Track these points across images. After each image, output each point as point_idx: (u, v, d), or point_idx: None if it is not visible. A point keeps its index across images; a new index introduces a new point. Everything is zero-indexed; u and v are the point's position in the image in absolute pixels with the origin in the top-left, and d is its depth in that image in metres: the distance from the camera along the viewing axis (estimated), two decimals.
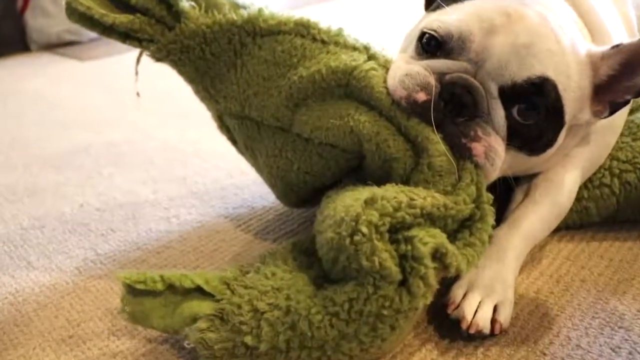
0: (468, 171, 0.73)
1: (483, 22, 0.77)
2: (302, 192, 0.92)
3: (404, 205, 0.66)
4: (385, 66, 0.81)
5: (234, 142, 1.04)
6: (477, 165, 0.75)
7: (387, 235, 0.65)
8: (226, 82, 0.94)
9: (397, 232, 0.66)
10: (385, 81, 0.79)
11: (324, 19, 0.91)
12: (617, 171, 0.94)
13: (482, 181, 0.74)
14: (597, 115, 0.82)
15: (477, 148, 0.74)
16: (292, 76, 0.85)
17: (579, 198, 0.92)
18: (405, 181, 0.75)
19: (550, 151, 0.81)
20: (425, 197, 0.68)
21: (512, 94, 0.74)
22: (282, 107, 0.86)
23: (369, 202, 0.65)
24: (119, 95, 2.01)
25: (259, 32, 0.90)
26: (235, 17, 0.91)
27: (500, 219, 0.85)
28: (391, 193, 0.67)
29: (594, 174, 0.94)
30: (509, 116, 0.75)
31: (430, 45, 0.79)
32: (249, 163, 1.02)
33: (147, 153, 1.47)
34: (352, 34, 0.87)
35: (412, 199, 0.67)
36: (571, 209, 0.91)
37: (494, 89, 0.76)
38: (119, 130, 1.67)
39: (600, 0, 0.93)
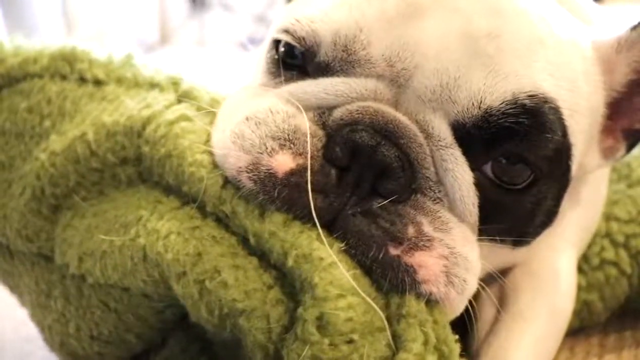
0: (413, 322, 0.33)
1: (386, 2, 0.39)
2: None
3: None
4: (214, 111, 0.41)
5: None
6: (429, 301, 0.35)
7: None
8: None
9: None
10: (209, 140, 0.38)
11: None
12: (620, 238, 0.65)
13: (448, 336, 0.33)
14: (610, 155, 0.53)
15: (426, 265, 0.35)
16: (40, 154, 0.44)
17: None
18: (275, 356, 0.34)
19: (547, 231, 0.50)
20: None
21: (481, 135, 0.37)
22: (29, 216, 0.45)
23: None
24: None
25: None
26: None
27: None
28: None
29: (588, 247, 0.65)
30: (479, 180, 0.38)
31: (295, 57, 0.40)
32: None
33: None
34: (150, 64, 0.46)
35: None
36: None
37: (441, 129, 0.38)
38: None
39: None
